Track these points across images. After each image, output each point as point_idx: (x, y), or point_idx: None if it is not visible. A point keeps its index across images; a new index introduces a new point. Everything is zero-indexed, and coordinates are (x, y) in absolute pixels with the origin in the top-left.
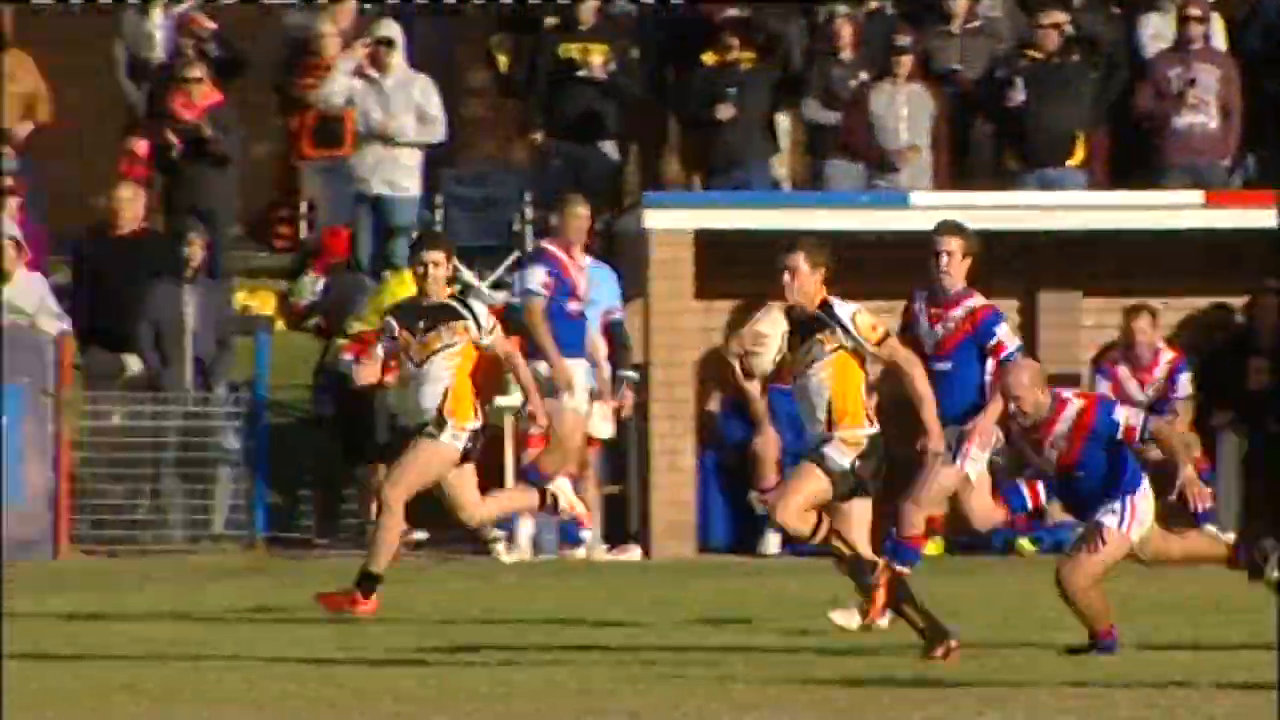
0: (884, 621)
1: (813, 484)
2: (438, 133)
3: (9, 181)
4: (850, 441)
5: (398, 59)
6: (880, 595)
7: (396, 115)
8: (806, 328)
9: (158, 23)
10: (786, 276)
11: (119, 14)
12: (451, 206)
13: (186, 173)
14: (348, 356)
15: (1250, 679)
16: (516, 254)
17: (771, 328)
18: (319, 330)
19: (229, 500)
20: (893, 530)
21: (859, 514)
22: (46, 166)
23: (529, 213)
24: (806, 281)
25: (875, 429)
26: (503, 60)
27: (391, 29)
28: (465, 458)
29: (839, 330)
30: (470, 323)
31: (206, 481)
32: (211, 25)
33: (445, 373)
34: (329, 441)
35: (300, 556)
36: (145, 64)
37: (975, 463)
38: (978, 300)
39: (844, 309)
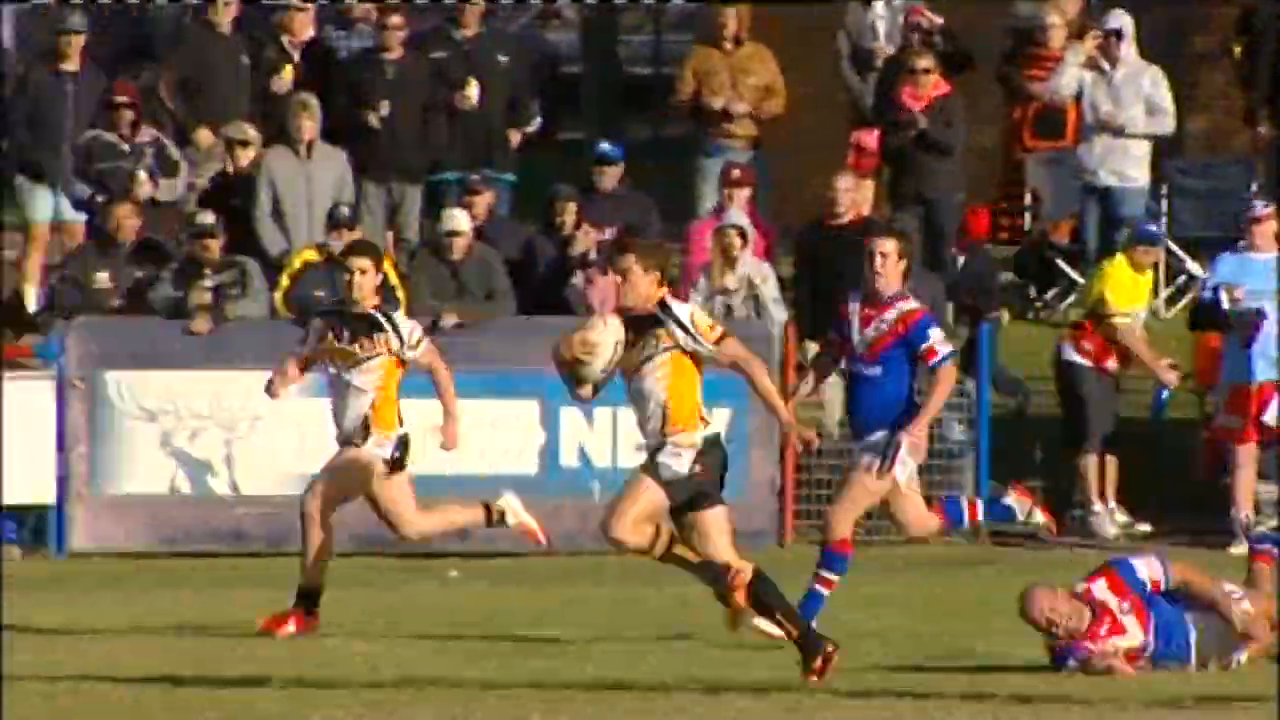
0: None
1: (646, 495)
2: (1167, 125)
3: (737, 174)
4: (685, 445)
5: (1127, 50)
6: (739, 599)
7: (1125, 107)
8: (642, 328)
9: (880, 14)
10: (619, 280)
11: (843, 6)
12: (1176, 197)
13: (912, 163)
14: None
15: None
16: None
17: (602, 335)
18: None
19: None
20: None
21: (713, 522)
22: (774, 159)
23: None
24: (640, 283)
25: (712, 430)
26: (1237, 50)
27: (1121, 20)
28: (394, 468)
29: (676, 328)
30: (391, 336)
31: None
32: (938, 20)
33: (368, 383)
34: (1051, 431)
35: (1033, 547)
36: (869, 55)
37: (905, 466)
38: (911, 303)
39: (681, 308)
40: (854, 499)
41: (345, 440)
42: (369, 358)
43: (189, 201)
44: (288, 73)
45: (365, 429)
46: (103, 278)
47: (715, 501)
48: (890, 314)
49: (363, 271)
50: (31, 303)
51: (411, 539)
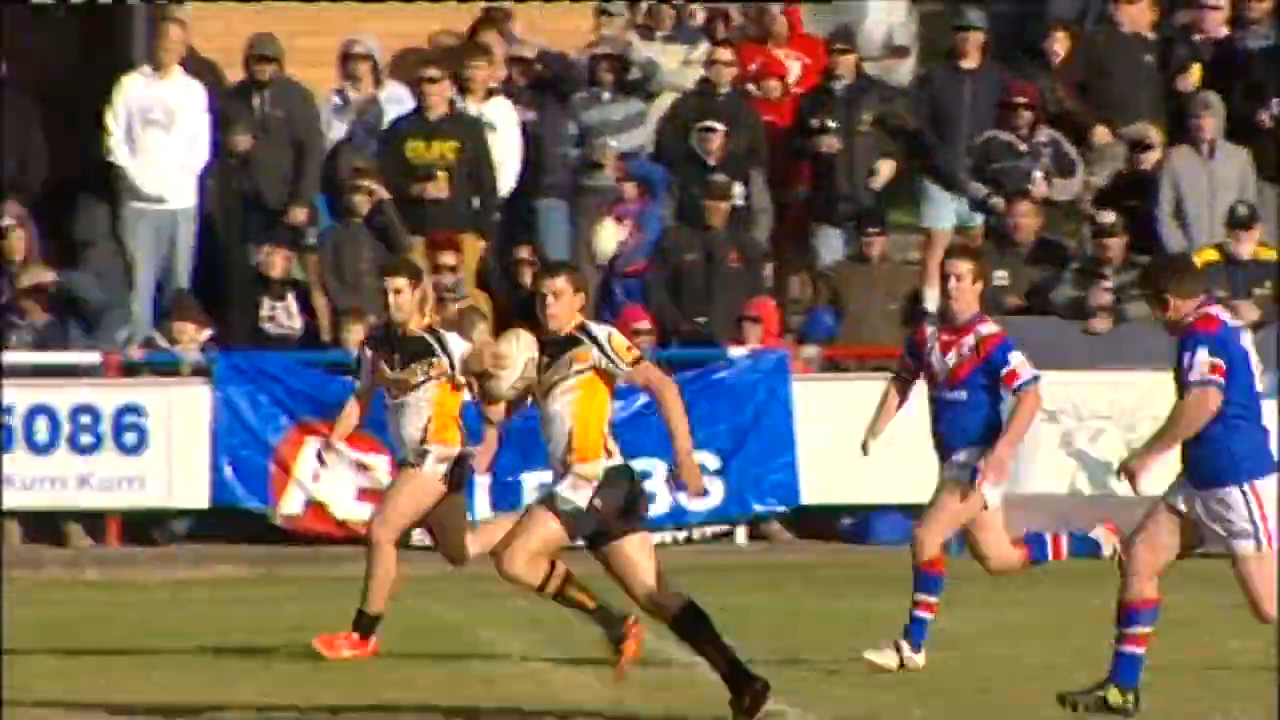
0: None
1: (543, 529)
2: None
3: None
4: (585, 476)
5: None
6: (630, 648)
7: None
8: (558, 349)
9: None
10: (550, 299)
11: None
12: None
13: None
14: None
15: None
16: None
17: (515, 350)
18: None
19: None
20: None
21: (634, 551)
22: None
23: None
24: (567, 306)
25: (616, 461)
26: None
27: None
28: (452, 487)
29: (594, 348)
30: (443, 360)
31: None
32: None
33: (424, 404)
34: None
35: None
36: None
37: (993, 489)
38: (990, 327)
39: (600, 329)
40: (940, 519)
41: (403, 462)
42: (424, 381)
43: (1084, 201)
44: (1196, 72)
45: (422, 449)
46: (1001, 276)
47: (631, 530)
48: (969, 339)
49: (397, 291)
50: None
51: (462, 562)
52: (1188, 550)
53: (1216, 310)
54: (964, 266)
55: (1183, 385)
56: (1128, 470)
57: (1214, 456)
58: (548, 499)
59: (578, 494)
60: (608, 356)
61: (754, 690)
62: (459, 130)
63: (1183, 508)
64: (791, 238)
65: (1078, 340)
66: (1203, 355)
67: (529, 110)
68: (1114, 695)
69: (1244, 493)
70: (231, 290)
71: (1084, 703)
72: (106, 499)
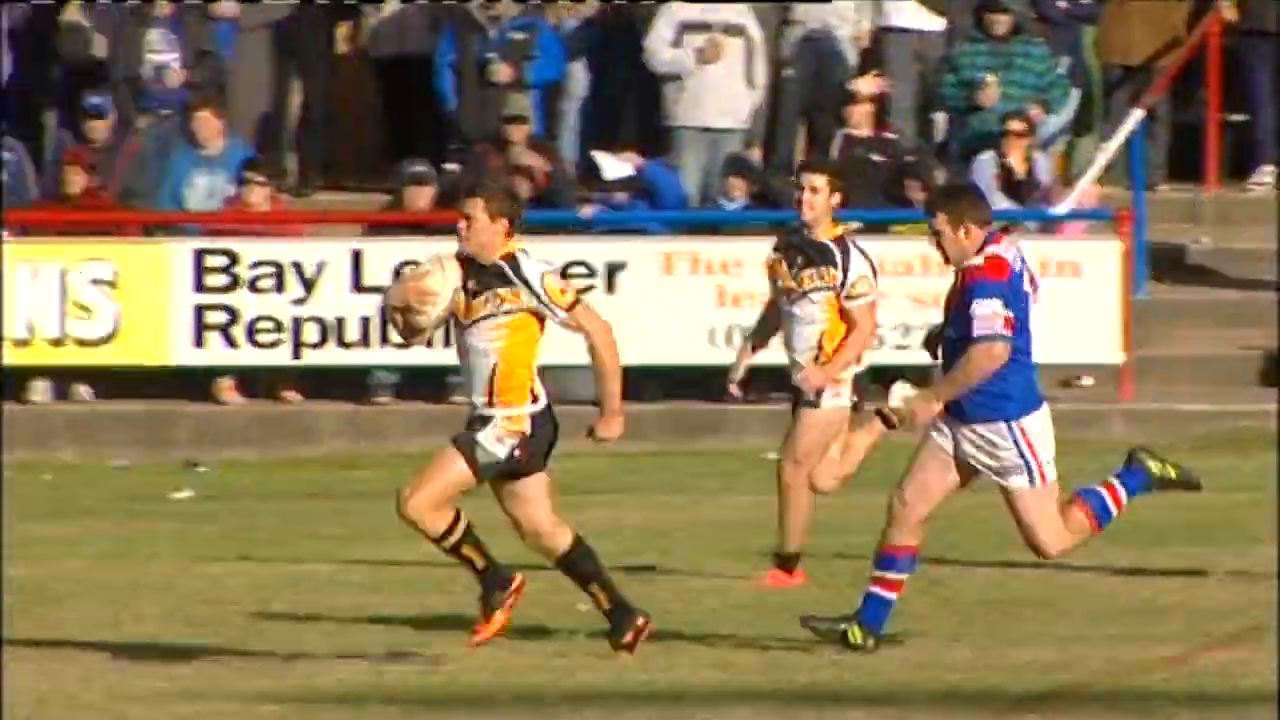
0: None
1: (453, 474)
2: None
3: None
4: (511, 425)
5: None
6: (499, 619)
7: None
8: (484, 281)
9: None
10: (462, 224)
11: None
12: None
13: None
14: None
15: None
16: None
17: (440, 284)
18: None
19: None
20: None
21: (534, 488)
22: None
23: None
24: (484, 231)
25: (540, 405)
26: None
27: None
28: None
29: (524, 289)
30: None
31: None
32: None
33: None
34: None
35: None
36: None
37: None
38: None
39: (532, 267)
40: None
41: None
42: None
43: None
44: None
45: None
46: None
47: (534, 470)
48: None
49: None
50: None
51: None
52: (966, 484)
53: (1004, 249)
54: None
55: (966, 330)
56: (913, 415)
57: (983, 393)
58: (466, 442)
59: (501, 446)
60: (540, 301)
61: (636, 625)
62: None
63: (948, 446)
64: None
65: None
66: (996, 307)
67: None
68: (855, 633)
69: (1010, 429)
70: None
71: (823, 630)
72: None
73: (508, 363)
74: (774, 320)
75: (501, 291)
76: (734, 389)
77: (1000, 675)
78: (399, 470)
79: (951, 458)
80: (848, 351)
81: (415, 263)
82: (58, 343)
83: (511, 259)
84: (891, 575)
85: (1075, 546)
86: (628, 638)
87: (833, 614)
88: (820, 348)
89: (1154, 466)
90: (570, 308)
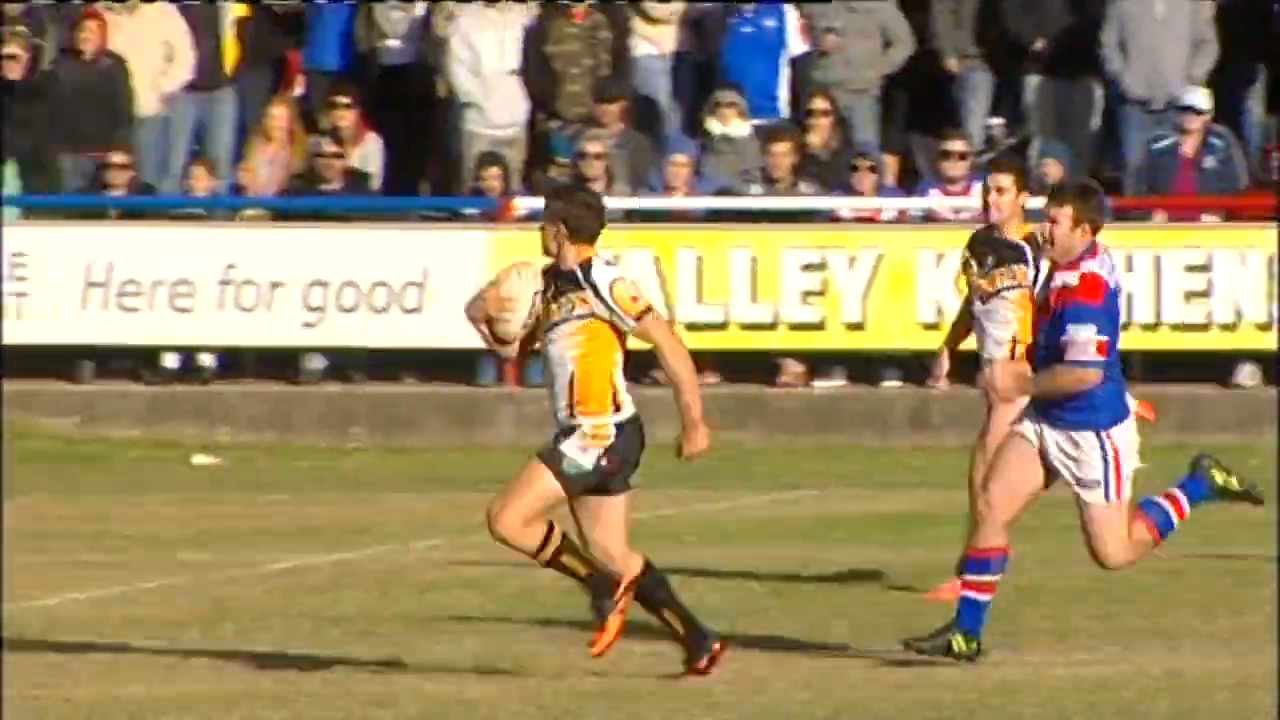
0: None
1: (542, 488)
2: None
3: None
4: (596, 435)
5: None
6: (614, 623)
7: None
8: (562, 284)
9: None
10: (550, 231)
11: None
12: None
13: None
14: None
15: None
16: None
17: (519, 289)
18: None
19: None
20: None
21: (612, 510)
22: None
23: None
24: (547, 235)
25: (627, 414)
26: None
27: None
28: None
29: (592, 296)
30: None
31: None
32: None
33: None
34: None
35: None
36: None
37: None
38: None
39: (603, 273)
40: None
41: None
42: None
43: None
44: None
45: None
46: None
47: (619, 489)
48: None
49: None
50: None
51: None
52: (1049, 485)
53: (1099, 265)
54: None
55: (1056, 342)
56: (995, 379)
57: (1074, 402)
58: (551, 455)
59: (585, 456)
60: (608, 307)
61: (712, 651)
62: None
63: (1035, 444)
64: None
65: None
66: (1090, 334)
67: None
68: (959, 642)
69: (1100, 439)
70: None
71: (928, 648)
72: None
73: (585, 371)
74: (968, 320)
75: (573, 296)
76: (942, 383)
77: None
78: None
79: (1038, 455)
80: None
81: None
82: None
83: (586, 264)
84: (985, 578)
85: (1138, 559)
86: (701, 663)
87: (927, 632)
88: (1013, 347)
89: (1218, 477)
90: (639, 317)
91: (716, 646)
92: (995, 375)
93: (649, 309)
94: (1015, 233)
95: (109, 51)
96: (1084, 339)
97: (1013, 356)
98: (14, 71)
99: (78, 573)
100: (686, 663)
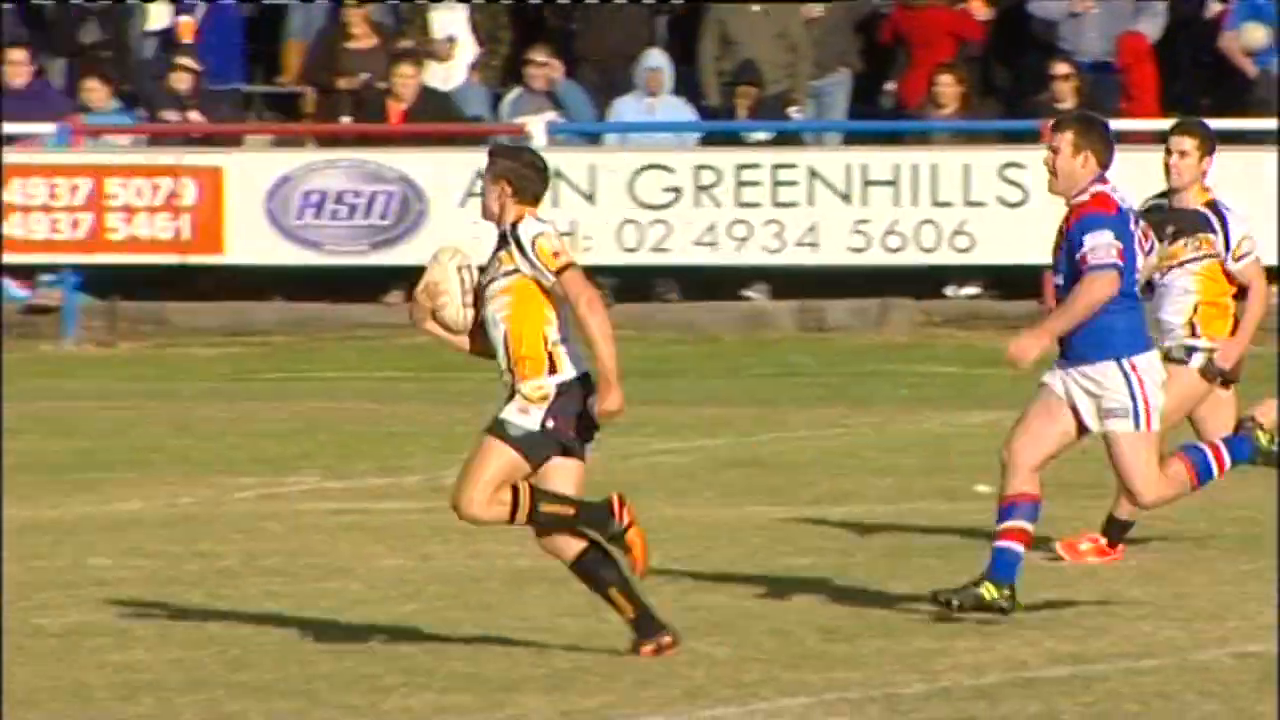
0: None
1: (495, 460)
2: None
3: None
4: (533, 398)
5: None
6: (636, 537)
7: None
8: (496, 246)
9: None
10: (493, 191)
11: None
12: None
13: None
14: None
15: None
16: None
17: (439, 273)
18: None
19: None
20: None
21: (559, 475)
22: None
23: None
24: (489, 194)
25: (567, 374)
26: None
27: None
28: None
29: (516, 251)
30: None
31: None
32: None
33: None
34: None
35: None
36: None
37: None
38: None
39: (529, 227)
40: None
41: (1166, 354)
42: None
43: None
44: None
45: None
46: None
47: (579, 454)
48: None
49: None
50: None
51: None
52: (1082, 434)
53: (1109, 189)
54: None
55: (1077, 264)
56: (1013, 355)
57: (1089, 332)
58: (496, 425)
59: (528, 418)
60: (530, 262)
61: (661, 640)
62: None
63: (1059, 391)
64: None
65: None
66: (1108, 238)
67: None
68: (989, 591)
69: (1121, 366)
70: None
71: (959, 600)
72: None
73: (516, 331)
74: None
75: (501, 253)
76: None
77: None
78: None
79: (1064, 402)
80: (1253, 314)
81: None
82: None
83: (517, 222)
84: (1014, 524)
85: (1171, 499)
86: (647, 649)
87: (954, 585)
88: (1194, 318)
89: (1263, 439)
90: (559, 271)
91: (668, 640)
92: (1012, 343)
93: (570, 264)
94: (1197, 199)
95: None
96: (1104, 242)
97: (1193, 331)
98: None
99: None
100: (634, 645)
